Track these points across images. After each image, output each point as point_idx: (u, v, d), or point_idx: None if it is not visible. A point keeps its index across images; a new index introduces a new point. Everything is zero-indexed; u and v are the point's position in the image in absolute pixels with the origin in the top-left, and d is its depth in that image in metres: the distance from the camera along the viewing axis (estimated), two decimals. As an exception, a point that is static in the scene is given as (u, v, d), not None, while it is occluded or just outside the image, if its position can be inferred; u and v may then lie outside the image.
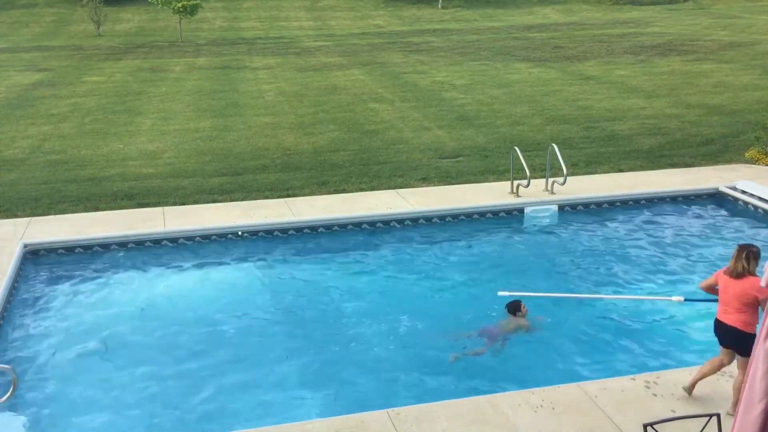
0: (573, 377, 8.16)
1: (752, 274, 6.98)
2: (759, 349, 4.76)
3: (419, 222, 12.80)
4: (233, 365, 8.74)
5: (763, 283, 4.89)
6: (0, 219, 12.80)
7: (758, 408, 4.77)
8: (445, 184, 14.42)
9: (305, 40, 41.78)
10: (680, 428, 6.03)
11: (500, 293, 9.50)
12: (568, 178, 13.38)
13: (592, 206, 13.41)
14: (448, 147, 17.14)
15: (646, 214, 13.17)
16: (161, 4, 42.70)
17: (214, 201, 13.64)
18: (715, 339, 7.44)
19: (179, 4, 41.58)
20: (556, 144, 13.85)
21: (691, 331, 9.38)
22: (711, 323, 9.43)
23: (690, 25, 42.35)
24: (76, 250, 11.74)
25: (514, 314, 9.50)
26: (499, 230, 12.64)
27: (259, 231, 12.30)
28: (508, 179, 13.81)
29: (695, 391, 7.47)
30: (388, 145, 17.43)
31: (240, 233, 12.22)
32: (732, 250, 6.65)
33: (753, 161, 15.46)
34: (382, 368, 8.63)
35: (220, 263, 11.51)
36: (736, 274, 6.99)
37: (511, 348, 9.04)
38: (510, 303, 9.57)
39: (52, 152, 17.32)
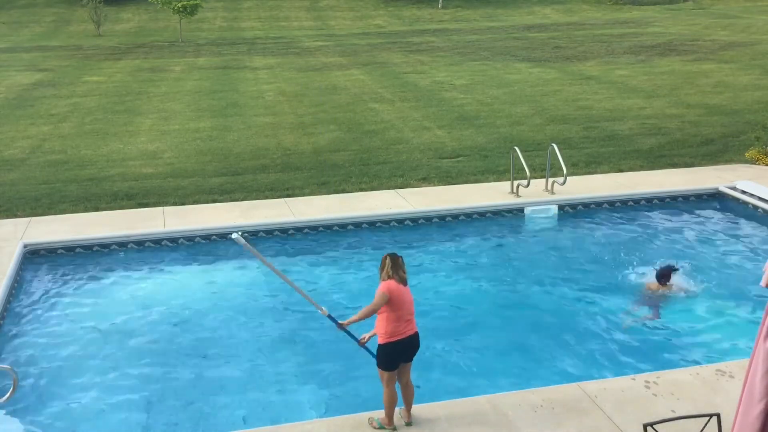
0: (573, 377, 8.16)
1: None
2: (759, 349, 4.76)
3: (419, 222, 12.80)
4: (233, 365, 8.74)
5: (763, 283, 4.88)
6: (0, 219, 12.80)
7: (758, 408, 4.77)
8: (445, 184, 14.42)
9: (305, 40, 41.77)
10: (680, 428, 6.02)
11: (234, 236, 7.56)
12: (568, 178, 13.37)
13: (592, 206, 13.41)
14: (448, 147, 17.14)
15: (646, 214, 13.16)
16: (161, 4, 42.68)
17: (214, 201, 13.64)
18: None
19: (179, 4, 41.55)
20: (556, 144, 13.84)
21: (692, 330, 9.39)
22: (712, 324, 9.52)
23: (690, 25, 42.35)
24: (76, 250, 11.74)
25: (662, 282, 9.68)
26: (499, 230, 12.64)
27: (259, 231, 12.29)
28: (508, 179, 13.81)
29: (692, 393, 7.46)
30: (388, 145, 17.43)
31: (240, 233, 12.20)
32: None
33: (753, 161, 15.46)
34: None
35: (220, 263, 11.51)
36: (405, 282, 6.88)
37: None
38: (662, 270, 9.74)
39: (52, 152, 17.32)
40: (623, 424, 7.00)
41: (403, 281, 6.88)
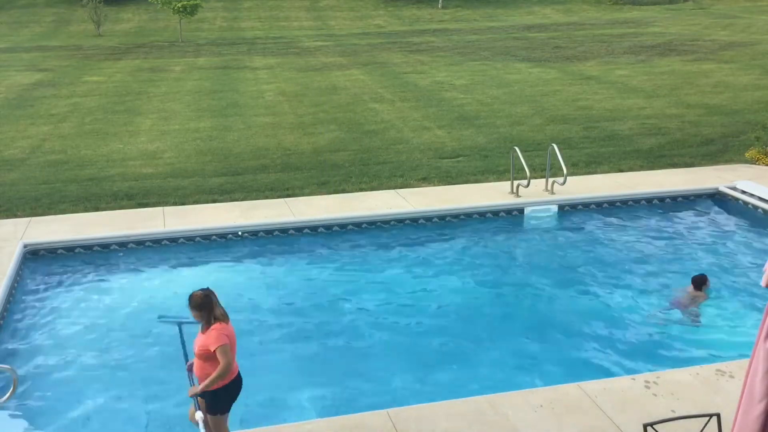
0: (573, 377, 8.16)
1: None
2: (759, 349, 4.76)
3: (419, 222, 12.80)
4: (233, 365, 8.74)
5: (763, 283, 4.88)
6: (0, 219, 12.80)
7: (758, 408, 4.77)
8: (445, 184, 14.41)
9: (305, 40, 41.77)
10: (680, 428, 6.02)
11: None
12: (568, 178, 13.37)
13: (592, 206, 13.41)
14: (448, 147, 17.14)
15: (646, 214, 13.17)
16: (161, 4, 42.67)
17: (214, 201, 13.64)
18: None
19: (179, 4, 41.54)
20: (556, 144, 13.85)
21: (692, 330, 9.39)
22: (712, 324, 9.52)
23: (690, 25, 42.35)
24: (76, 250, 11.73)
25: (699, 289, 9.80)
26: (499, 230, 12.64)
27: (259, 231, 12.30)
28: (508, 179, 13.81)
29: (691, 392, 7.46)
30: (388, 145, 17.43)
31: (240, 233, 12.22)
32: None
33: (753, 161, 15.46)
34: (382, 368, 8.62)
35: (220, 263, 11.51)
36: (227, 317, 6.25)
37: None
38: (697, 276, 9.88)
39: (52, 152, 17.31)
40: (623, 424, 7.01)
41: (227, 317, 6.23)
